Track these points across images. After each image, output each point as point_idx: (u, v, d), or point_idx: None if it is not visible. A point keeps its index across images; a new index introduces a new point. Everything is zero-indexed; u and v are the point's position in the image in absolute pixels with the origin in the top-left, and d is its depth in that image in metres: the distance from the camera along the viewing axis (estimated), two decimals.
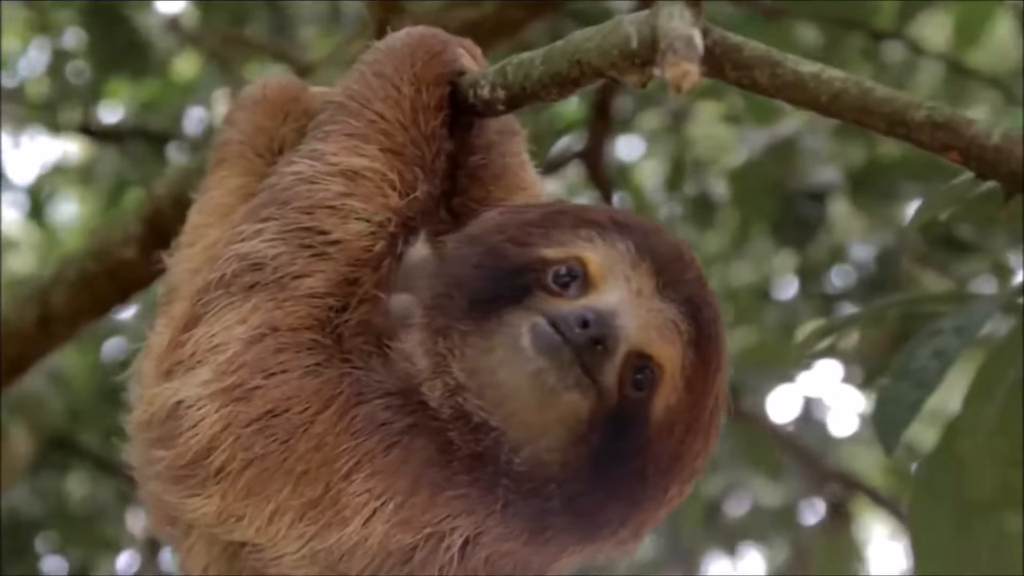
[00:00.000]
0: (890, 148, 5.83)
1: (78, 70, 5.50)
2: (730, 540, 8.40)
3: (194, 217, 2.46)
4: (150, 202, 3.44)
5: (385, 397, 2.00)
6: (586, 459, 2.00)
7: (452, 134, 2.41)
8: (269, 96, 2.51)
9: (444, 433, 2.00)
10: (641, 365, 2.00)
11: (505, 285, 2.03)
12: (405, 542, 1.97)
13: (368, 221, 2.06)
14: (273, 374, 1.97)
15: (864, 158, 5.59)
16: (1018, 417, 2.75)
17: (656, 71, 1.95)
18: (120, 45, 5.06)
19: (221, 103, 6.24)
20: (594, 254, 2.05)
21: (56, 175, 7.60)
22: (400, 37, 2.27)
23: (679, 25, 1.90)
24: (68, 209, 8.18)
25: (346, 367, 2.00)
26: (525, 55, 2.25)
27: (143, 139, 6.11)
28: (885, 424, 2.72)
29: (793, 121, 5.60)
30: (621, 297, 2.01)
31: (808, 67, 1.97)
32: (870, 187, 5.26)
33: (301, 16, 5.14)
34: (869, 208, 5.52)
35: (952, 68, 5.34)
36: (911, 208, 5.57)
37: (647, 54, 1.98)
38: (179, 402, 1.98)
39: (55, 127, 6.16)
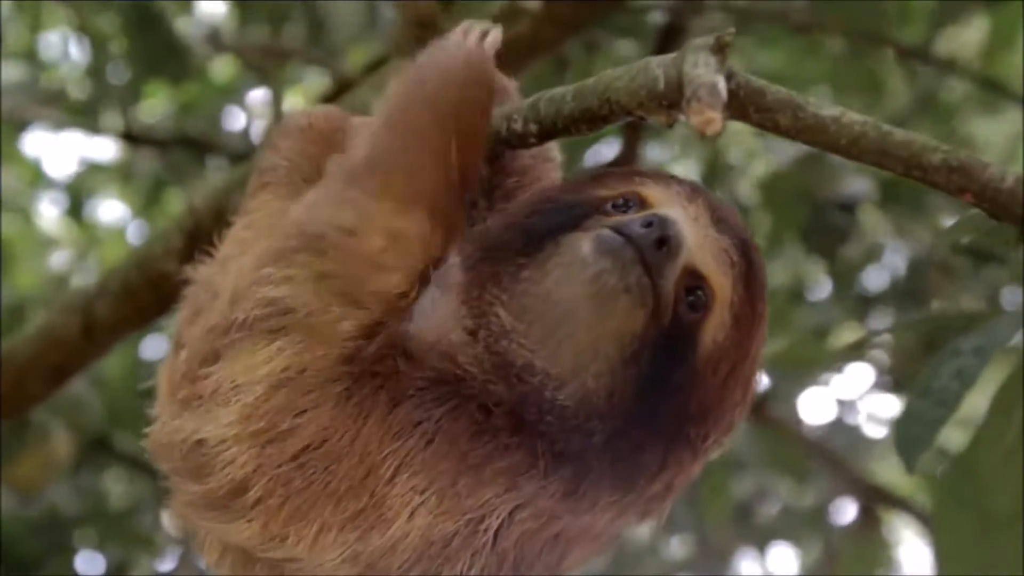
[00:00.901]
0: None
1: (117, 71, 5.57)
2: (761, 540, 8.44)
3: (231, 240, 2.48)
4: (191, 215, 3.52)
5: (419, 392, 2.01)
6: (632, 388, 2.02)
7: (487, 160, 2.51)
8: (315, 125, 2.56)
9: (484, 399, 2.02)
10: (695, 285, 2.04)
11: (562, 217, 2.08)
12: (447, 531, 2.00)
13: (407, 272, 2.03)
14: (304, 411, 1.97)
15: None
16: None
17: (681, 116, 2.02)
18: (159, 49, 5.13)
19: (259, 108, 6.34)
20: (649, 190, 2.12)
21: (95, 173, 7.66)
22: (446, 61, 2.23)
23: (704, 72, 1.97)
24: (109, 207, 8.26)
25: (377, 380, 2.00)
26: (557, 91, 2.32)
27: (181, 145, 6.19)
28: (906, 443, 2.77)
29: None
30: (678, 212, 2.06)
31: (829, 111, 2.04)
32: (901, 197, 5.30)
33: (337, 22, 5.20)
34: (899, 218, 5.56)
35: (980, 81, 5.36)
36: (940, 219, 5.59)
37: (673, 97, 2.05)
38: (202, 440, 1.99)
39: (94, 129, 6.23)
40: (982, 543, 2.93)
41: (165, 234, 3.60)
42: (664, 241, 2.00)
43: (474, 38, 2.28)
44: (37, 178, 7.91)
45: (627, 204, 2.09)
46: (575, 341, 2.01)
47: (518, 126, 2.35)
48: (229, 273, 2.37)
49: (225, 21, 6.08)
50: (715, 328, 2.06)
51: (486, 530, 2.01)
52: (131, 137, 6.09)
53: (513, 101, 2.50)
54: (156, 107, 7.08)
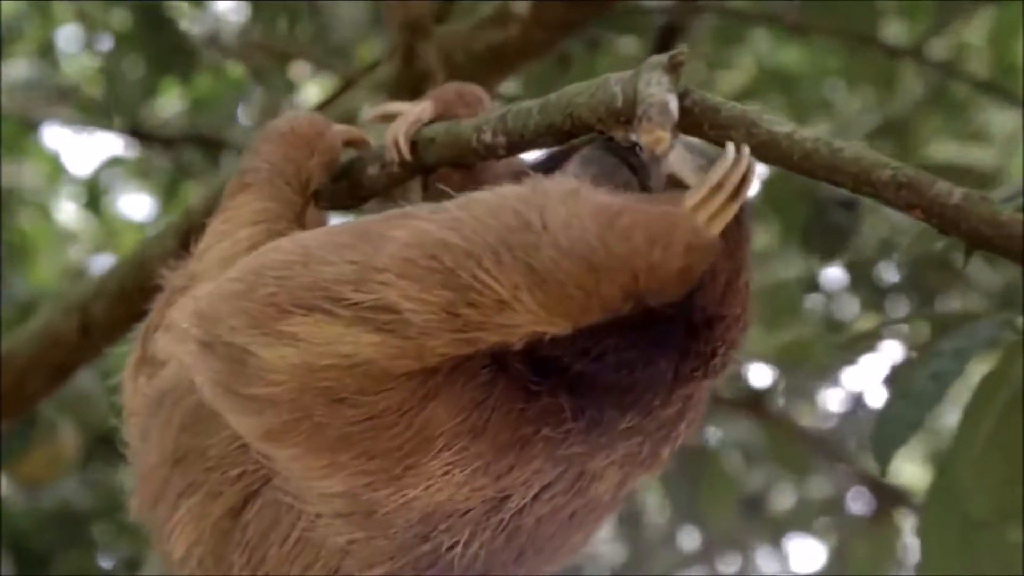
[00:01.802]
0: (926, 152, 5.91)
1: (129, 69, 5.63)
2: (776, 532, 8.47)
3: (208, 234, 2.55)
4: (186, 218, 3.57)
5: (480, 371, 2.03)
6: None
7: (459, 168, 2.57)
8: (297, 130, 2.59)
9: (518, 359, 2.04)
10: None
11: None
12: (465, 505, 2.03)
13: (535, 328, 1.95)
14: (366, 394, 1.96)
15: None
16: (1013, 437, 2.83)
17: (632, 135, 2.06)
18: (167, 48, 5.19)
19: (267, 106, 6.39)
20: None
21: (114, 167, 7.73)
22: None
23: (656, 91, 2.01)
24: (129, 200, 8.34)
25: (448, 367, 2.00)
26: (524, 104, 2.36)
27: (193, 143, 6.25)
28: (882, 443, 2.80)
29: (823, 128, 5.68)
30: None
31: (782, 127, 2.07)
32: None
33: (342, 21, 5.25)
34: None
35: (975, 82, 5.39)
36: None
37: (629, 114, 2.09)
38: (253, 353, 1.97)
39: (107, 127, 6.30)
40: (964, 546, 2.97)
41: (160, 236, 3.66)
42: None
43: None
44: (56, 172, 8.00)
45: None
46: None
47: (487, 137, 2.39)
48: (209, 266, 2.46)
49: (226, 22, 6.15)
50: None
51: (508, 509, 2.05)
52: (141, 135, 6.14)
53: (485, 112, 2.55)
54: (170, 103, 7.15)
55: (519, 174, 2.59)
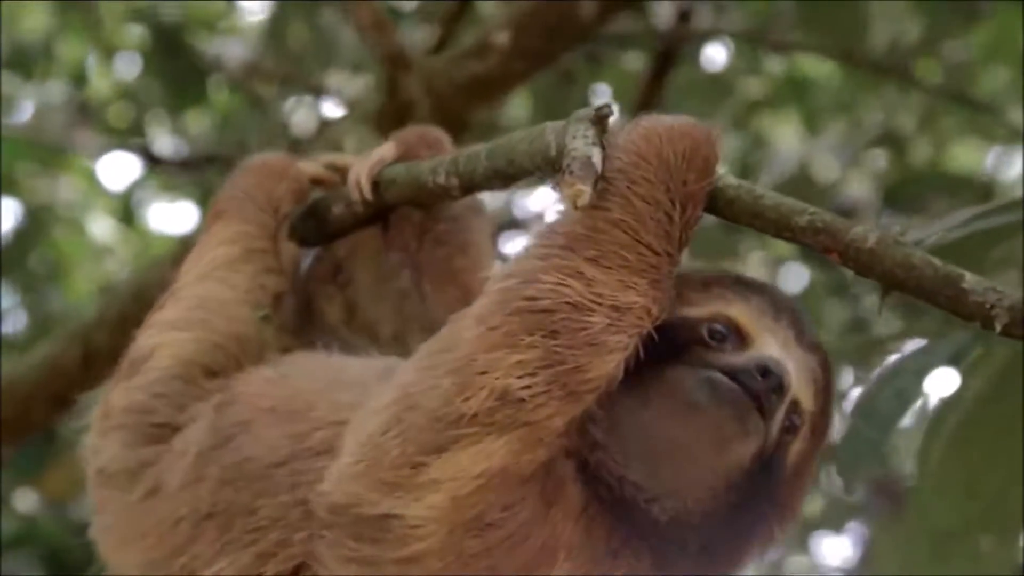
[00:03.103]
0: (921, 157, 5.94)
1: (144, 92, 5.75)
2: (803, 532, 8.47)
3: (185, 267, 2.65)
4: (183, 247, 3.67)
5: (577, 476, 2.08)
6: (726, 505, 2.11)
7: (419, 207, 2.67)
8: (267, 162, 2.75)
9: (607, 495, 2.09)
10: (793, 412, 2.12)
11: (656, 346, 2.05)
12: None
13: (623, 352, 2.01)
14: (510, 507, 2.00)
15: (895, 171, 5.71)
16: (969, 451, 2.89)
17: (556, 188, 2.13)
18: (181, 72, 5.30)
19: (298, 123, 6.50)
20: (737, 310, 2.16)
21: (147, 182, 7.84)
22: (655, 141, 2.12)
23: (579, 145, 2.08)
24: (165, 212, 8.44)
25: (560, 461, 2.06)
26: (474, 149, 2.46)
27: (213, 163, 6.36)
28: (847, 463, 2.84)
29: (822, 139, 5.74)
30: (779, 348, 2.13)
31: None
32: (899, 202, 5.34)
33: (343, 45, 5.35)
34: (901, 222, 5.60)
35: (952, 98, 5.42)
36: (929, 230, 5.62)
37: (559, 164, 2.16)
38: (397, 516, 1.99)
39: (131, 149, 6.42)
40: (935, 559, 3.03)
41: (159, 264, 3.76)
42: (779, 388, 2.08)
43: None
44: (92, 188, 8.12)
45: (723, 335, 2.13)
46: (680, 471, 2.10)
47: (441, 179, 2.49)
48: (189, 292, 2.57)
49: (232, 48, 6.25)
50: (800, 442, 2.16)
51: None
52: (156, 160, 6.26)
53: (444, 154, 2.64)
54: (197, 122, 7.26)
55: (476, 211, 2.72)
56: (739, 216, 2.14)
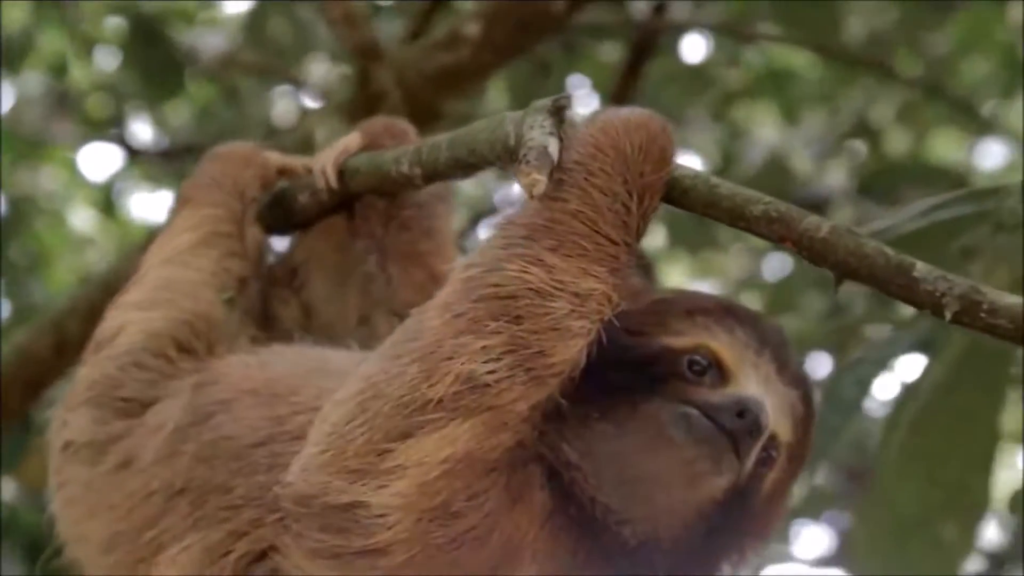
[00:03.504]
0: (899, 149, 5.97)
1: (122, 83, 5.76)
2: (784, 522, 8.47)
3: (149, 254, 2.69)
4: (153, 235, 3.68)
5: (546, 480, 2.08)
6: (697, 534, 2.12)
7: (384, 195, 2.71)
8: (233, 150, 2.82)
9: (577, 510, 2.10)
10: (769, 445, 2.12)
11: (635, 374, 2.10)
12: None
13: (586, 337, 2.02)
14: (476, 496, 2.00)
15: (872, 162, 5.73)
16: (928, 441, 2.93)
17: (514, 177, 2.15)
18: (158, 64, 5.31)
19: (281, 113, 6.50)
20: (720, 343, 2.15)
21: (128, 172, 7.84)
22: (622, 121, 2.15)
23: (536, 135, 2.09)
24: (147, 202, 8.44)
25: (522, 461, 2.06)
26: (437, 139, 2.48)
27: (195, 155, 6.35)
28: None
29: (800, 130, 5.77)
30: (759, 386, 2.12)
31: None
32: (875, 192, 5.35)
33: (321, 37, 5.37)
34: (875, 211, 5.61)
35: (930, 90, 5.44)
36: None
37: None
38: (362, 504, 1.98)
39: (110, 140, 6.43)
40: (898, 546, 3.06)
41: (129, 255, 3.78)
42: (755, 429, 2.08)
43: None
44: (73, 179, 8.13)
45: (705, 364, 2.13)
46: (652, 500, 2.10)
47: (404, 168, 2.52)
48: (146, 284, 2.59)
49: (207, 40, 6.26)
50: (776, 471, 2.17)
51: None
52: (136, 151, 6.28)
53: (408, 144, 2.66)
54: (176, 114, 7.27)
55: (440, 198, 2.75)
56: (694, 205, 2.16)
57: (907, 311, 3.11)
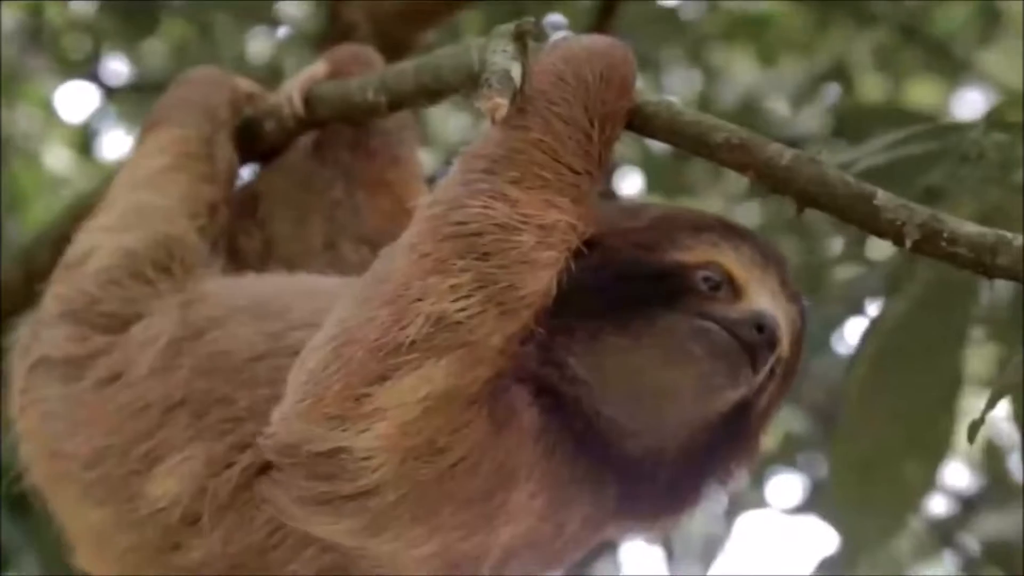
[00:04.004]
0: (875, 94, 5.96)
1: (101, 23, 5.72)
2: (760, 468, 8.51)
3: (119, 174, 2.68)
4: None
5: (535, 400, 2.10)
6: (699, 444, 2.16)
7: (351, 123, 2.71)
8: (204, 74, 2.81)
9: (575, 426, 2.13)
10: (775, 360, 2.15)
11: (649, 288, 2.12)
12: (537, 537, 2.13)
13: (556, 265, 2.03)
14: (458, 430, 2.00)
15: (847, 106, 5.73)
16: (889, 380, 2.95)
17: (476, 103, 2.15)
18: (134, 3, 5.28)
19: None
20: (729, 259, 2.18)
21: (104, 111, 7.79)
22: (599, 49, 2.16)
23: (500, 60, 2.09)
24: (120, 142, 8.40)
25: (506, 386, 2.07)
26: (402, 65, 2.50)
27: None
28: None
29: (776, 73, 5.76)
30: (769, 300, 2.16)
31: None
32: (850, 135, 5.34)
33: None
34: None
35: (907, 35, 5.44)
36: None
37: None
38: (345, 448, 1.97)
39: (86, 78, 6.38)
40: (862, 481, 3.09)
41: (102, 187, 3.75)
42: (772, 343, 2.11)
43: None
44: (49, 118, 8.07)
45: (717, 283, 2.14)
46: (664, 413, 2.14)
47: (370, 96, 2.54)
48: (116, 209, 2.58)
49: None
50: (772, 386, 2.20)
51: (563, 538, 2.18)
52: (111, 89, 6.24)
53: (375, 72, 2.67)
54: (152, 52, 7.22)
55: (406, 126, 2.75)
56: (657, 133, 2.17)
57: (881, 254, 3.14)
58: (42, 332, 2.48)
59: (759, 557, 8.41)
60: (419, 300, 1.97)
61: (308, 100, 2.65)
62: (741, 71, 6.58)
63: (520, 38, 2.14)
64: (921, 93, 6.96)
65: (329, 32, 3.62)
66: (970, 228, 1.99)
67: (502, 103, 2.04)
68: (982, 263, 1.97)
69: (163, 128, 2.68)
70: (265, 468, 2.14)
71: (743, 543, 8.29)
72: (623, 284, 2.12)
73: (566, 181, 2.05)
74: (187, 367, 2.30)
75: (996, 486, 5.97)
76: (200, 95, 2.72)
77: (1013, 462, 6.11)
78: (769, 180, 2.10)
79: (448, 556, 2.09)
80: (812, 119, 5.82)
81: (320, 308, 2.18)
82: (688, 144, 2.15)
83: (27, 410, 2.45)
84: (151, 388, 2.32)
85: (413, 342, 1.96)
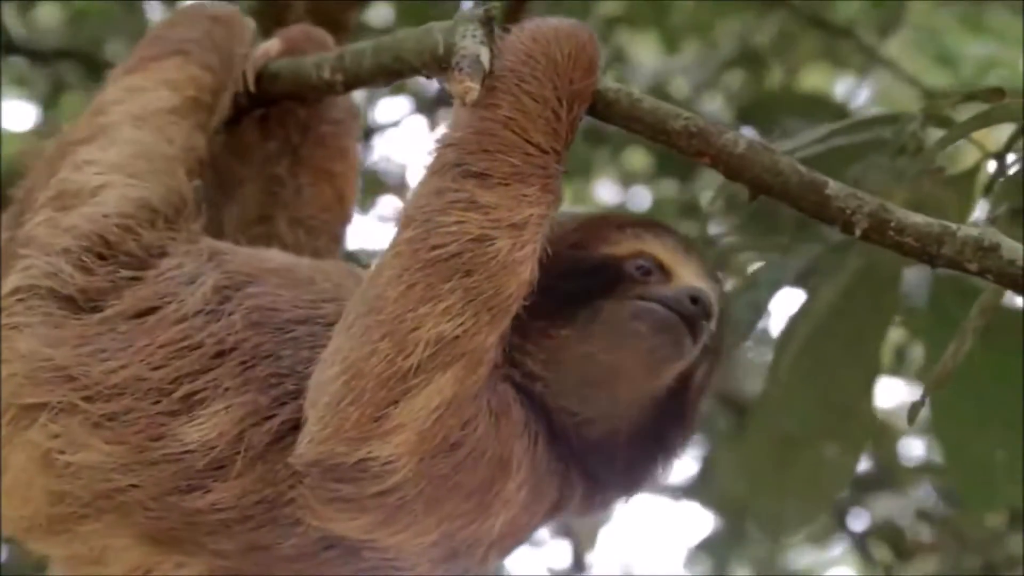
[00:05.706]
0: (777, 80, 6.06)
1: None
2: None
3: (118, 91, 2.61)
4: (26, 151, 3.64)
5: (517, 394, 2.27)
6: (648, 424, 2.33)
7: (305, 104, 2.72)
8: (232, 16, 2.73)
9: (544, 419, 2.29)
10: (708, 334, 2.32)
11: (589, 281, 2.30)
12: (521, 523, 2.30)
13: (532, 259, 2.14)
14: (467, 424, 2.14)
15: (750, 92, 5.84)
16: (818, 363, 3.04)
17: (444, 84, 2.21)
18: None
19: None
20: (655, 248, 2.35)
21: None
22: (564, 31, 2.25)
23: (469, 44, 2.16)
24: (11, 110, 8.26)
25: (496, 381, 2.22)
26: (360, 45, 2.54)
27: (69, 58, 6.26)
28: None
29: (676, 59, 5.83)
30: (698, 278, 2.33)
31: None
32: (753, 121, 5.45)
33: None
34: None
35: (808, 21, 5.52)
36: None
37: (448, 62, 2.24)
38: (371, 458, 2.11)
39: None
40: (778, 466, 3.17)
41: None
42: (707, 313, 2.28)
43: None
44: None
45: (648, 269, 2.32)
46: (616, 393, 2.29)
47: (326, 74, 2.58)
48: (118, 143, 2.50)
49: None
50: (705, 362, 2.36)
51: (529, 528, 2.34)
52: (15, 49, 6.14)
53: (327, 51, 2.70)
54: (49, 16, 7.10)
55: (356, 117, 2.80)
56: (617, 118, 2.25)
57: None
58: (47, 261, 2.37)
59: (637, 540, 8.54)
60: (416, 329, 2.08)
61: (260, 77, 2.67)
62: (645, 54, 6.65)
63: (487, 23, 2.20)
64: (812, 80, 7.09)
65: (264, 8, 3.62)
66: (917, 218, 2.09)
67: (473, 87, 2.11)
68: (927, 252, 2.08)
69: (181, 61, 2.63)
70: (297, 425, 2.20)
71: (622, 526, 8.41)
72: (564, 282, 2.26)
73: (534, 163, 2.14)
74: (238, 316, 2.32)
75: (884, 469, 6.13)
76: (225, 37, 2.68)
77: (903, 447, 6.33)
78: (724, 167, 2.19)
79: (448, 544, 2.22)
80: (715, 104, 5.91)
81: (338, 285, 2.34)
82: (647, 131, 2.23)
83: (10, 335, 2.34)
84: (199, 329, 2.32)
85: (418, 365, 2.08)
